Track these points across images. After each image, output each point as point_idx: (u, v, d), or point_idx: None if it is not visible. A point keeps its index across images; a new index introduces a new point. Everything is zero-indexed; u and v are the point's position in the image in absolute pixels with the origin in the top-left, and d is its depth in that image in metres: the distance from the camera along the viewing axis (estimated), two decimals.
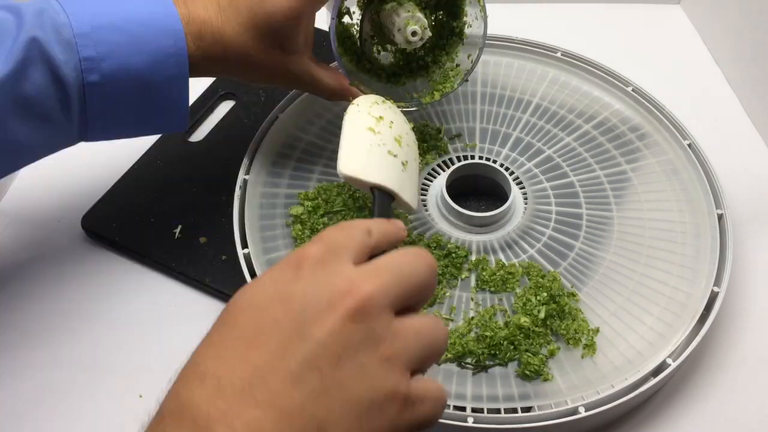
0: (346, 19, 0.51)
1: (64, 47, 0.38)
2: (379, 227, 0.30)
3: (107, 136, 0.44)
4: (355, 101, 0.45)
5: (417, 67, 0.53)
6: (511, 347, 0.43)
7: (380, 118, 0.43)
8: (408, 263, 0.28)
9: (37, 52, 0.38)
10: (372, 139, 0.41)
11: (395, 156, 0.41)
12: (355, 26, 0.52)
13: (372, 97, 0.46)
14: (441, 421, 0.39)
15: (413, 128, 0.55)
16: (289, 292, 0.26)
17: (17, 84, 0.38)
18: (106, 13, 0.40)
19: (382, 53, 0.54)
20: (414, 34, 0.45)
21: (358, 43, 0.52)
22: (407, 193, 0.42)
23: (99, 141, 0.44)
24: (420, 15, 0.46)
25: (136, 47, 0.40)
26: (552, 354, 0.43)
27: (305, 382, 0.24)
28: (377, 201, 0.39)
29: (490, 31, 0.62)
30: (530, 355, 0.42)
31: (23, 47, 0.37)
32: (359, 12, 0.51)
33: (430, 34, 0.47)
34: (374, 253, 0.29)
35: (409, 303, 0.28)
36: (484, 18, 0.49)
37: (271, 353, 0.25)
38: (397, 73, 0.53)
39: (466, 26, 0.52)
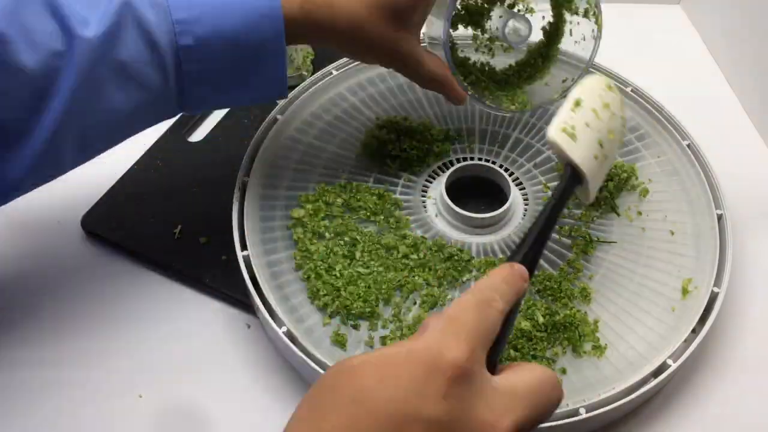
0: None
1: (156, 11, 0.38)
2: (508, 293, 0.30)
3: (204, 105, 0.43)
4: (596, 74, 0.45)
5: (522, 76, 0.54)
6: (513, 350, 0.43)
7: (606, 105, 0.42)
8: (546, 398, 0.28)
9: (130, 15, 0.37)
10: (592, 121, 0.41)
11: (601, 146, 0.41)
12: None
13: (606, 80, 0.44)
14: None
15: (414, 125, 0.55)
16: (434, 417, 0.25)
17: (111, 47, 0.37)
18: None
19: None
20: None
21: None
22: (593, 184, 0.42)
23: (196, 112, 0.42)
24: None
25: (227, 8, 0.39)
26: (553, 356, 0.43)
27: None
28: (567, 179, 0.39)
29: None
30: (532, 358, 0.42)
31: (116, 10, 0.37)
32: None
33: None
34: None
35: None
36: (598, 38, 0.46)
37: None
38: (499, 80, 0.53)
39: (573, 42, 0.50)
